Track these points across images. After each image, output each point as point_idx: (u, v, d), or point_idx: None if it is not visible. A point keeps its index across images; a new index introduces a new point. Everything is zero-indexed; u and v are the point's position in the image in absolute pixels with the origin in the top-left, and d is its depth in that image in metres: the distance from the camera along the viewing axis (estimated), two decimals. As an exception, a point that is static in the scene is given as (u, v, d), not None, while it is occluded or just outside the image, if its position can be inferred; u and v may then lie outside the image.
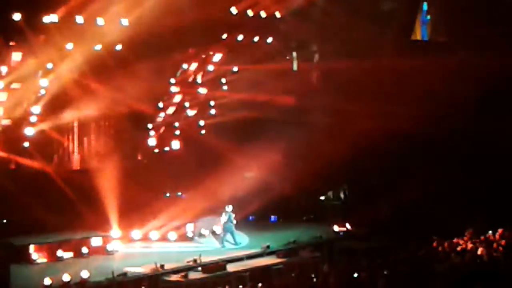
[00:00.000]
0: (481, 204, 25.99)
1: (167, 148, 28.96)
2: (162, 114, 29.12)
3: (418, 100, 27.16)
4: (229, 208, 25.91)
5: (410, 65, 27.40)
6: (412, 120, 26.68)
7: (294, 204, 29.12)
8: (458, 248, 21.19)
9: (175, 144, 29.31)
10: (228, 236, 25.82)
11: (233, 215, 25.88)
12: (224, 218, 25.86)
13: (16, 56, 24.43)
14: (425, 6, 30.90)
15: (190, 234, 26.72)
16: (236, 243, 25.81)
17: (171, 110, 29.40)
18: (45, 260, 23.55)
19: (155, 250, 25.40)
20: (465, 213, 25.02)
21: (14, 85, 24.62)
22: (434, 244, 21.51)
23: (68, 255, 23.93)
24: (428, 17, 31.05)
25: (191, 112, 29.69)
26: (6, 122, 24.84)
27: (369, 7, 29.90)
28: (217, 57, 29.48)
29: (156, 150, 28.95)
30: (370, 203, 27.63)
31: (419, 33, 31.07)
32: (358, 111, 27.69)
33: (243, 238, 26.53)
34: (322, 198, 30.45)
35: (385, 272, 19.13)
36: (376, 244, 24.48)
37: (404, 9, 30.57)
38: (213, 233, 27.40)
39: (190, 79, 29.58)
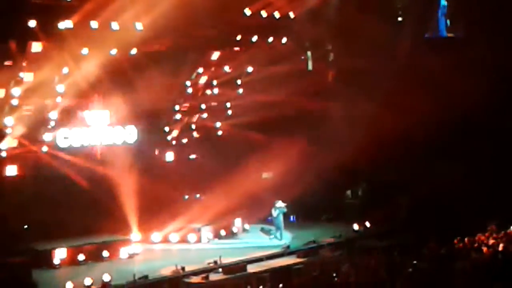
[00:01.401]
0: (504, 199, 25.82)
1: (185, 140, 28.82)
2: (178, 116, 29.16)
3: (436, 96, 27.07)
4: (279, 203, 26.26)
5: (427, 61, 27.32)
6: (430, 116, 26.61)
7: (312, 204, 29.04)
8: (477, 245, 21.07)
9: (193, 147, 29.42)
10: (277, 231, 26.22)
11: (285, 210, 26.25)
12: (274, 213, 26.23)
13: (31, 63, 24.45)
14: (443, 1, 30.75)
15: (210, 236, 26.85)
16: (280, 239, 26.18)
17: (187, 112, 29.44)
18: (66, 264, 23.64)
19: (175, 252, 25.46)
20: (487, 208, 24.84)
21: (29, 105, 24.64)
22: (455, 240, 21.39)
23: (90, 259, 24.03)
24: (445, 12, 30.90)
25: (207, 114, 29.72)
26: (25, 127, 24.90)
27: (384, 4, 29.85)
28: (232, 59, 29.49)
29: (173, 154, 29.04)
30: (389, 200, 27.58)
31: (437, 29, 30.94)
32: (374, 109, 27.66)
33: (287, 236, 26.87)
34: (341, 196, 30.38)
35: (408, 270, 19.04)
36: (396, 242, 24.39)
37: (419, 5, 30.48)
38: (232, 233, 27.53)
39: (205, 81, 29.60)
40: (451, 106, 26.61)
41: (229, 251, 24.59)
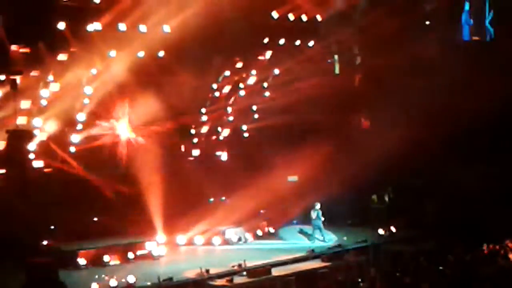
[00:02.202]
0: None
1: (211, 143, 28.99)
2: (204, 118, 29.26)
3: (463, 100, 26.84)
4: (318, 205, 26.50)
5: (454, 64, 27.13)
6: (458, 120, 26.41)
7: (338, 207, 28.95)
8: (503, 252, 20.88)
9: (219, 150, 29.52)
10: (317, 233, 26.52)
11: (321, 212, 26.45)
12: (313, 215, 26.53)
13: (60, 65, 24.66)
14: (467, 5, 30.59)
15: (234, 239, 26.89)
16: (324, 240, 26.45)
17: (213, 114, 29.51)
18: (92, 265, 23.76)
19: (200, 254, 25.53)
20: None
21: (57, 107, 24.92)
22: (483, 246, 21.22)
23: (115, 260, 24.15)
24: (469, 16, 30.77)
25: (233, 117, 29.77)
26: (52, 129, 25.13)
27: (411, 7, 29.70)
28: (259, 61, 29.52)
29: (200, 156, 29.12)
30: (415, 205, 27.40)
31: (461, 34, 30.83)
32: (401, 113, 27.50)
33: (331, 236, 27.04)
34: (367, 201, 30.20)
35: (434, 276, 18.93)
36: (422, 247, 24.21)
37: (446, 9, 30.31)
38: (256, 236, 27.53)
39: (232, 84, 29.65)
40: (478, 109, 26.34)
41: (253, 254, 24.50)
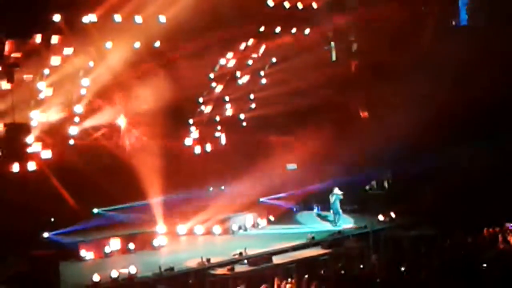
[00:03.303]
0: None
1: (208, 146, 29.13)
2: (202, 108, 29.24)
3: (460, 85, 26.86)
4: (336, 189, 26.77)
5: (451, 50, 27.12)
6: (455, 105, 26.41)
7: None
8: (501, 236, 20.93)
9: (217, 139, 29.52)
10: (337, 217, 26.86)
11: (341, 197, 26.75)
12: (331, 199, 26.83)
13: (56, 58, 24.59)
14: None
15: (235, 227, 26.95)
16: (335, 223, 26.79)
17: (211, 104, 29.50)
18: (93, 257, 23.85)
19: (201, 244, 25.58)
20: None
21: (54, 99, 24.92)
22: (484, 231, 21.26)
23: (115, 251, 24.20)
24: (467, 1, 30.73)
25: (231, 106, 29.75)
26: (50, 121, 25.11)
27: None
28: (255, 50, 29.48)
29: (198, 146, 29.10)
30: (414, 191, 27.43)
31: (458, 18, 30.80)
32: (398, 99, 27.50)
33: (346, 220, 27.29)
34: (366, 187, 30.25)
35: (434, 260, 18.97)
36: (422, 232, 24.26)
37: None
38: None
39: (229, 73, 29.60)
40: (475, 95, 26.38)
41: (254, 242, 24.55)
